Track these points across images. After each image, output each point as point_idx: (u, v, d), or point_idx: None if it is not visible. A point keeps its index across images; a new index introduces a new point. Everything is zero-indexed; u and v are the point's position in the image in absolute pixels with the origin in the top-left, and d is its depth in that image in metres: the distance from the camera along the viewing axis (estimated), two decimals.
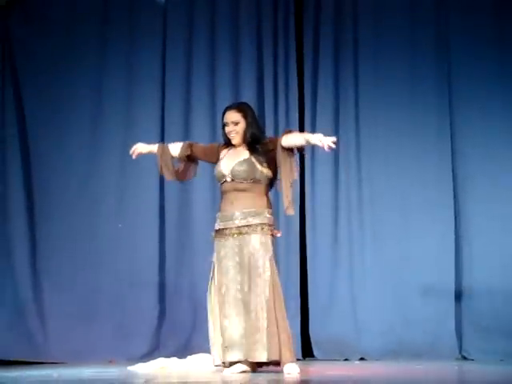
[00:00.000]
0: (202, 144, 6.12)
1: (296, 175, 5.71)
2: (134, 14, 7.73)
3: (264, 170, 5.78)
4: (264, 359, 5.55)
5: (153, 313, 7.45)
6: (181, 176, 6.02)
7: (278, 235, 5.85)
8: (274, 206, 5.96)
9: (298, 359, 6.24)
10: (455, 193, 7.56)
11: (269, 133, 6.84)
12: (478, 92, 7.60)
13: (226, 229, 5.76)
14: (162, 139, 7.27)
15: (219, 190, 5.94)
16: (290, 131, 5.83)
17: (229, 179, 5.79)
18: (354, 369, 6.35)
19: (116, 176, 7.57)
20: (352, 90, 7.70)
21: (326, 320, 7.45)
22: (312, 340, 7.42)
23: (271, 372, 5.64)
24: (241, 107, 5.92)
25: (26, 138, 7.56)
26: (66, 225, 7.46)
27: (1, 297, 7.35)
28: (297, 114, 7.66)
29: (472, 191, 7.54)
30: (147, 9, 7.72)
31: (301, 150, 5.75)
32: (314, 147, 6.31)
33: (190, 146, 6.01)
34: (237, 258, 5.73)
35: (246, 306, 5.64)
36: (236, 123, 5.83)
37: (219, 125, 6.14)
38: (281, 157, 5.66)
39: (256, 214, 5.72)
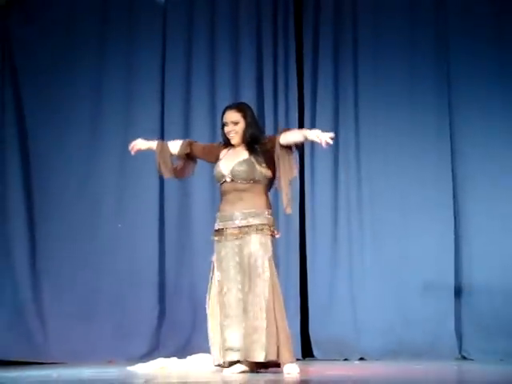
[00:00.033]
0: (201, 143, 6.12)
1: (295, 172, 5.70)
2: (133, 13, 7.73)
3: (263, 171, 5.77)
4: (262, 359, 5.54)
5: (153, 313, 7.45)
6: (179, 174, 6.02)
7: (277, 236, 5.85)
8: (273, 206, 5.96)
9: (297, 359, 6.24)
10: (455, 192, 7.56)
11: (268, 133, 6.81)
12: (477, 92, 7.60)
13: (226, 229, 5.76)
14: (162, 139, 7.23)
15: (219, 191, 5.94)
16: (287, 130, 5.83)
17: (228, 179, 5.78)
18: (354, 369, 6.35)
19: (116, 176, 7.57)
20: (351, 89, 7.70)
21: (326, 320, 7.45)
22: (312, 340, 7.42)
23: (270, 372, 5.64)
24: (240, 107, 5.91)
25: (25, 138, 7.56)
26: (66, 225, 7.46)
27: (0, 297, 7.34)
28: (296, 114, 7.66)
29: (471, 191, 7.54)
30: (147, 9, 7.72)
31: (299, 146, 5.74)
32: (313, 145, 6.30)
33: (190, 144, 6.00)
34: (237, 258, 5.73)
35: (246, 306, 5.64)
36: (235, 123, 5.83)
37: (219, 125, 6.13)
38: (279, 154, 5.65)
39: (256, 215, 5.72)
